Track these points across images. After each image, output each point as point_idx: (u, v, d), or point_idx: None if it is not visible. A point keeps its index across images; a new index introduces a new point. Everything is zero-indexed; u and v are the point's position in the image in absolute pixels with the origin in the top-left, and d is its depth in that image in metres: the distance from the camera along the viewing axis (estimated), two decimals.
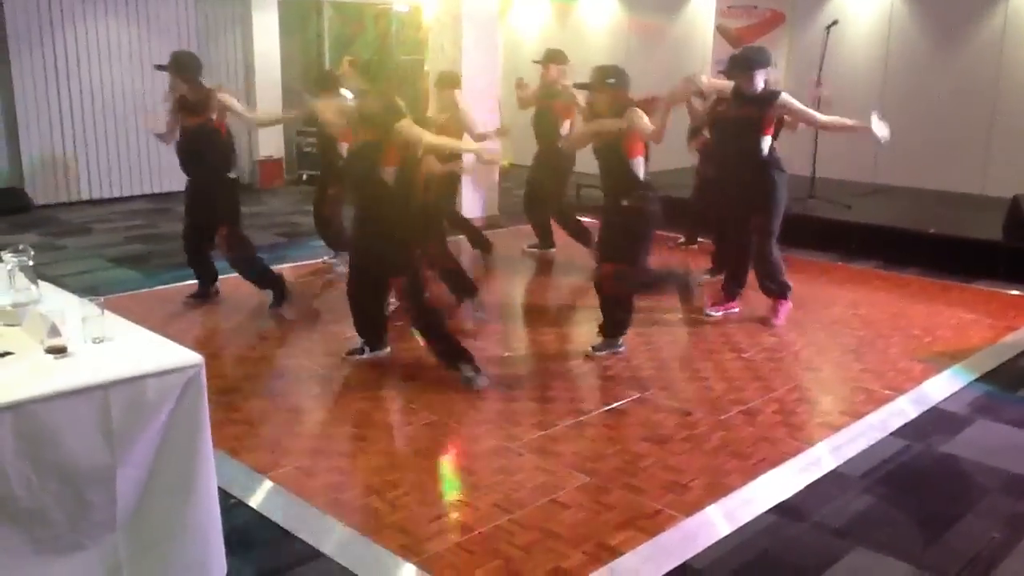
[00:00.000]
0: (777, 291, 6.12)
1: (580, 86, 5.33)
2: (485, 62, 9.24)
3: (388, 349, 5.43)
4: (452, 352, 5.03)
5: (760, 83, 5.78)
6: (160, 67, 6.15)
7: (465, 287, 6.32)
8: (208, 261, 6.55)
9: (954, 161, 9.75)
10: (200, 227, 6.34)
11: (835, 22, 9.21)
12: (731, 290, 6.33)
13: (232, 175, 6.32)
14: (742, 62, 5.83)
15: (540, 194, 8.04)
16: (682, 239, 8.42)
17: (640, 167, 5.18)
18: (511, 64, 9.10)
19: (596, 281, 5.47)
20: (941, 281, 7.35)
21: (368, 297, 5.23)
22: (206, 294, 6.57)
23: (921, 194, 9.64)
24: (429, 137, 4.90)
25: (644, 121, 5.04)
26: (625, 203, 5.18)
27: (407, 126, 4.75)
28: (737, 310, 6.31)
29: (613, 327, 5.51)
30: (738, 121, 5.85)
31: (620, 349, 5.52)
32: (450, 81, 7.36)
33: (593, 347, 5.49)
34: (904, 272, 7.63)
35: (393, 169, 4.83)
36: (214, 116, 6.13)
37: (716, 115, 6.34)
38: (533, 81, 7.95)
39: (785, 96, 5.76)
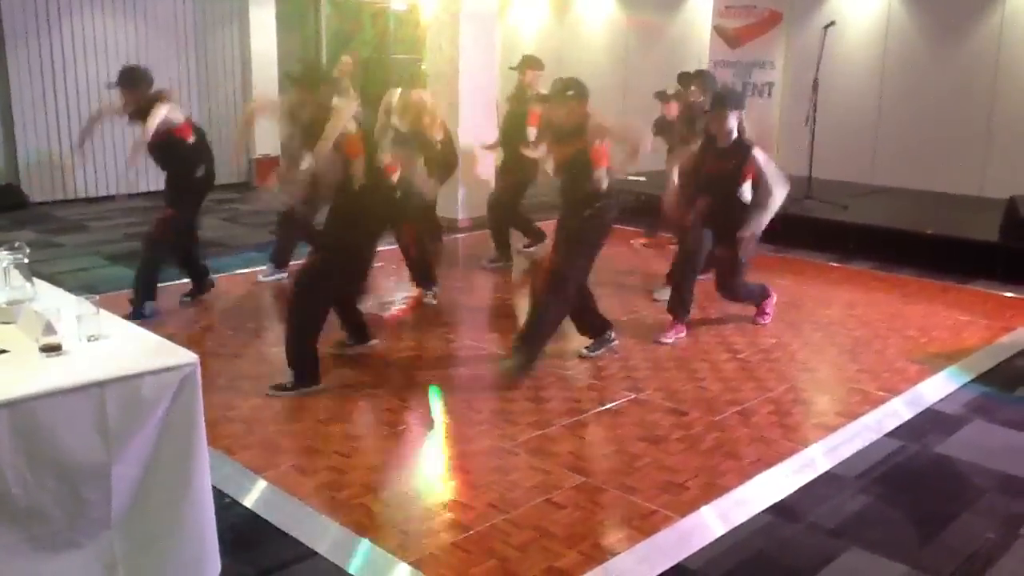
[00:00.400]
0: (756, 302, 6.16)
1: (541, 98, 5.29)
2: (483, 61, 9.24)
3: (375, 341, 5.51)
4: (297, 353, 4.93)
5: (733, 124, 5.63)
6: (111, 85, 6.24)
7: (426, 277, 6.53)
8: (194, 259, 6.58)
9: (952, 162, 9.77)
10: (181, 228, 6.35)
11: (833, 22, 9.22)
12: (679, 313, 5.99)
13: (199, 173, 6.25)
14: (716, 102, 5.75)
15: (504, 206, 7.89)
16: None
17: (604, 178, 5.07)
18: (509, 63, 9.07)
19: (542, 280, 5.25)
20: (938, 282, 7.36)
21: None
22: (201, 291, 6.57)
23: (918, 195, 9.65)
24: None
25: (616, 128, 5.14)
26: (588, 213, 5.09)
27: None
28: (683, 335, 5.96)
29: (596, 327, 5.49)
30: (718, 175, 5.71)
31: (614, 343, 5.52)
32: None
33: (586, 348, 5.48)
34: (901, 273, 7.64)
35: (360, 159, 4.77)
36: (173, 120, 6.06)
37: (695, 166, 5.96)
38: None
39: (756, 152, 5.62)
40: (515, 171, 7.68)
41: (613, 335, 5.56)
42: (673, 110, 7.89)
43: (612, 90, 11.70)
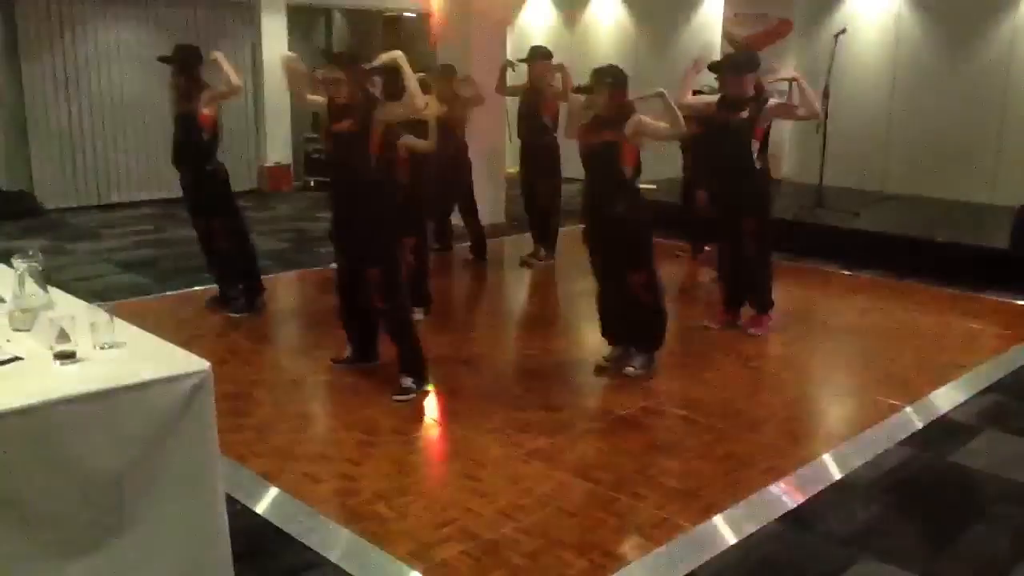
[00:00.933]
0: (764, 304, 6.09)
1: (578, 89, 5.22)
2: (493, 68, 9.23)
3: (377, 362, 5.33)
4: (416, 361, 4.97)
5: (750, 88, 5.72)
6: (162, 59, 6.24)
7: (423, 296, 6.25)
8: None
9: (963, 169, 9.74)
10: (204, 222, 6.32)
11: (843, 30, 9.20)
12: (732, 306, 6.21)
13: (209, 168, 6.17)
14: (732, 65, 5.80)
15: (536, 193, 8.02)
16: (687, 248, 8.36)
17: (631, 174, 5.04)
18: (519, 69, 9.07)
19: (630, 295, 5.15)
20: (949, 290, 7.33)
21: (355, 294, 5.07)
22: (227, 299, 6.47)
23: (929, 203, 9.62)
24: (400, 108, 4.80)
25: (653, 124, 5.00)
26: (619, 210, 5.03)
27: (385, 109, 4.74)
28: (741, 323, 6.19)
29: (653, 339, 5.28)
30: (731, 126, 5.75)
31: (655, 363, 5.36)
32: (448, 72, 7.60)
33: (632, 367, 5.25)
34: (912, 281, 7.61)
35: (376, 156, 4.77)
36: (202, 108, 6.04)
37: (706, 120, 6.12)
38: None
39: (772, 100, 5.74)
40: (537, 163, 7.78)
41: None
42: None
43: None
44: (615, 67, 5.11)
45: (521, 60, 7.87)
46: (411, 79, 4.64)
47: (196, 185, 6.21)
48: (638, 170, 5.07)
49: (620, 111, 4.99)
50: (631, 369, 5.23)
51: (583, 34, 13.14)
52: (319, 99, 5.02)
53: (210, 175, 6.16)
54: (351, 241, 4.98)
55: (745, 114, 5.69)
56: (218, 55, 6.06)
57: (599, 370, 5.34)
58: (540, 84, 7.67)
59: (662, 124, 5.04)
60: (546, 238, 8.11)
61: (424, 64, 9.13)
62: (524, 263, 8.07)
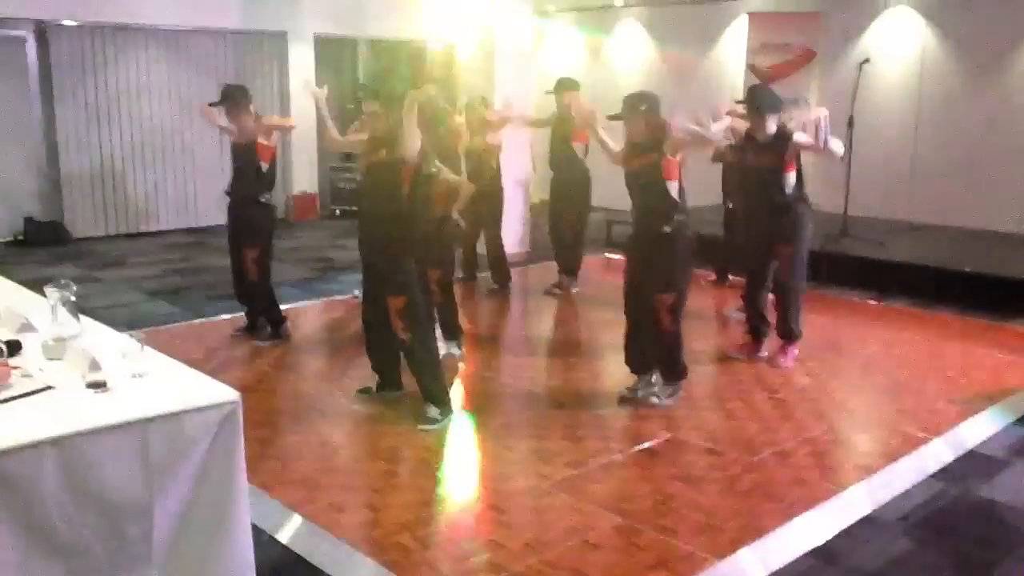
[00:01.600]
0: (791, 333, 6.05)
1: (613, 117, 5.21)
2: (518, 97, 9.29)
3: (403, 390, 5.33)
4: (439, 391, 5.00)
5: (772, 127, 5.75)
6: (213, 104, 6.38)
7: (453, 329, 6.20)
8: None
9: (989, 198, 9.68)
10: (239, 252, 6.40)
11: (867, 60, 9.21)
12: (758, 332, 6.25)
13: (263, 199, 6.30)
14: (755, 103, 5.83)
15: (564, 223, 8.08)
16: (713, 277, 8.39)
17: (676, 191, 5.03)
18: (545, 100, 9.14)
19: (655, 315, 5.12)
20: (977, 321, 7.27)
21: (381, 323, 5.07)
22: (255, 327, 6.56)
23: (956, 232, 9.56)
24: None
25: (689, 132, 5.03)
26: (667, 230, 5.01)
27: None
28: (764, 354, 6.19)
29: (675, 365, 5.26)
30: (759, 169, 5.84)
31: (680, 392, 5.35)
32: (480, 103, 7.79)
33: (657, 396, 5.24)
34: (939, 311, 7.56)
35: (407, 188, 4.88)
36: (259, 139, 6.21)
37: (735, 161, 6.18)
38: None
39: (797, 136, 5.71)
40: (568, 194, 7.84)
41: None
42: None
43: None
44: (646, 92, 5.17)
45: (548, 92, 7.91)
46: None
47: (246, 213, 6.31)
48: (682, 189, 5.08)
49: (656, 133, 5.03)
50: (656, 399, 5.22)
51: (607, 65, 13.20)
52: (351, 139, 5.35)
53: (263, 206, 6.30)
54: (376, 270, 5.05)
55: (770, 156, 5.73)
56: (270, 118, 6.33)
57: (622, 400, 5.32)
58: (567, 114, 7.70)
59: (698, 129, 5.07)
60: (571, 268, 8.12)
61: (449, 95, 9.25)
62: (549, 292, 8.08)
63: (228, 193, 6.41)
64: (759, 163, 5.83)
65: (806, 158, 5.97)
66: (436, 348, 5.30)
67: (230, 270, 6.58)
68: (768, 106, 5.78)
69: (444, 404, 4.98)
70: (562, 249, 8.18)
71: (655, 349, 5.26)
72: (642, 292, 5.17)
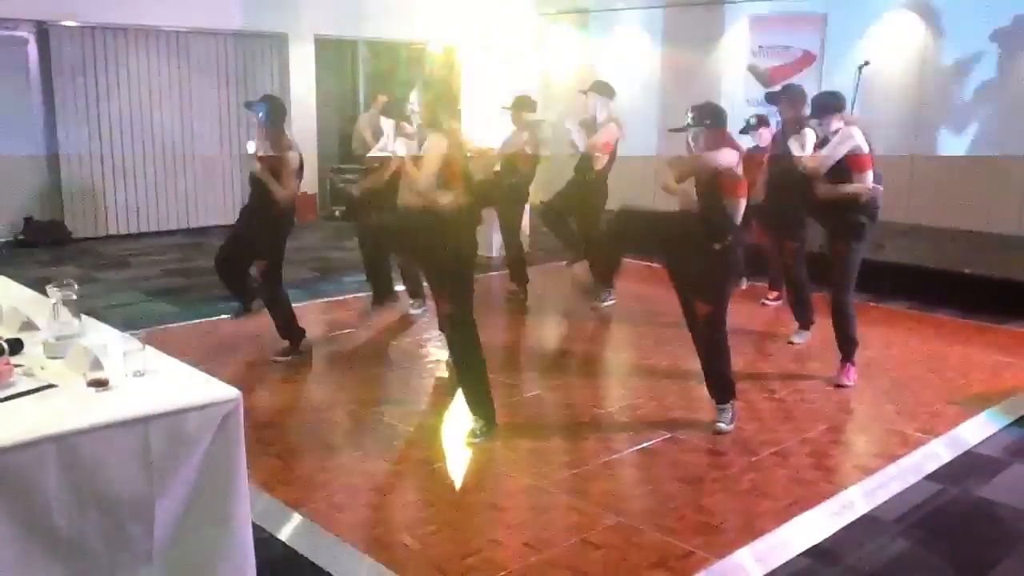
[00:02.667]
0: (849, 351, 5.84)
1: (675, 130, 5.00)
2: None
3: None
4: (484, 405, 4.88)
5: (838, 126, 5.66)
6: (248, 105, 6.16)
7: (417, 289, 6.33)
8: (245, 280, 6.40)
9: (989, 200, 9.69)
10: (241, 246, 6.19)
11: (866, 63, 9.20)
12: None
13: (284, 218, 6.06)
14: (817, 107, 5.76)
15: (560, 210, 7.82)
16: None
17: (736, 209, 4.75)
18: (543, 102, 9.18)
19: (694, 321, 4.94)
20: (976, 322, 7.28)
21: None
22: (246, 310, 6.48)
23: (955, 234, 9.57)
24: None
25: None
26: (718, 247, 4.73)
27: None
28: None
29: (723, 385, 4.99)
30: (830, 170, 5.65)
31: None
32: (526, 105, 7.71)
33: (722, 423, 4.91)
34: (938, 313, 7.57)
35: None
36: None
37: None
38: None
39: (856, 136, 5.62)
40: (579, 196, 7.64)
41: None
42: (765, 136, 7.31)
43: (646, 128, 11.74)
44: (713, 105, 4.91)
45: (583, 91, 7.63)
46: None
47: (260, 226, 6.05)
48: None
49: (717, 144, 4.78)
50: (722, 425, 4.91)
51: (608, 66, 13.20)
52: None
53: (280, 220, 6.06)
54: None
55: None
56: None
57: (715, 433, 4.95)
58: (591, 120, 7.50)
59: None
60: (608, 280, 7.84)
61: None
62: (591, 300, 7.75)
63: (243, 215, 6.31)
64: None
65: None
66: (481, 361, 4.97)
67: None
68: (833, 106, 5.74)
69: (489, 418, 4.85)
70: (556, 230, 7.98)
71: (707, 368, 5.05)
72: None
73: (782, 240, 6.60)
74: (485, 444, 4.77)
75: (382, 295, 6.99)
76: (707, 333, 4.91)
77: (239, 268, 6.31)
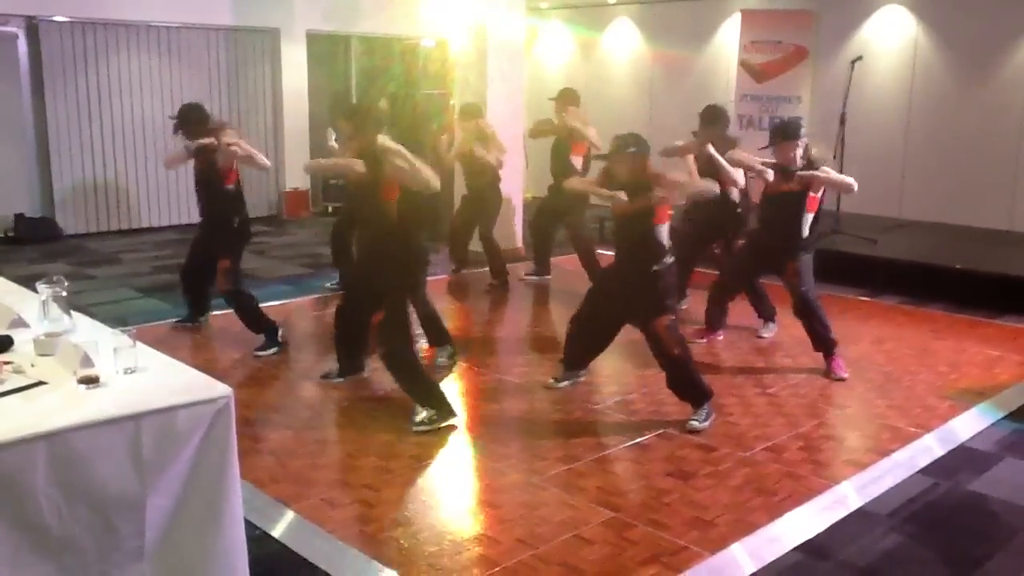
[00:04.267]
0: (831, 341, 5.92)
1: (600, 157, 5.21)
2: (510, 94, 9.34)
3: (365, 373, 5.61)
4: (423, 393, 4.93)
5: (798, 153, 5.70)
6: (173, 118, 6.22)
7: (441, 335, 6.03)
8: (204, 292, 6.59)
9: (981, 196, 9.73)
10: (199, 261, 6.43)
11: (859, 58, 9.23)
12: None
13: (235, 222, 6.24)
14: (778, 131, 5.81)
15: (545, 221, 8.24)
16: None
17: (664, 234, 4.96)
18: (535, 96, 9.19)
19: (661, 341, 4.96)
20: (968, 317, 7.30)
21: (354, 320, 5.33)
22: (192, 321, 6.66)
23: (947, 229, 9.60)
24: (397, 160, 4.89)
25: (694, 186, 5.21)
26: (656, 268, 4.93)
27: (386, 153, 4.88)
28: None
29: (696, 388, 5.03)
30: (783, 195, 5.78)
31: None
32: (473, 112, 7.85)
33: (696, 420, 4.91)
34: (930, 308, 7.59)
35: (393, 203, 4.93)
36: (219, 163, 6.07)
37: (764, 189, 6.02)
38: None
39: (823, 169, 5.67)
40: (561, 198, 7.72)
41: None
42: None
43: (636, 124, 11.76)
44: (636, 136, 4.99)
45: (551, 99, 7.96)
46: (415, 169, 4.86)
47: (218, 237, 6.26)
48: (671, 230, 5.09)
49: (644, 178, 4.93)
50: (695, 423, 4.90)
51: (599, 63, 13.21)
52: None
53: (236, 229, 6.26)
54: (363, 282, 5.25)
55: (797, 183, 5.68)
56: (235, 142, 6.09)
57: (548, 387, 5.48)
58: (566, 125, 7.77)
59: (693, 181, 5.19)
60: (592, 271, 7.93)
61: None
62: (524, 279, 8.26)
63: (201, 216, 6.41)
64: (782, 190, 5.80)
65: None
66: (413, 352, 5.14)
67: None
68: (791, 133, 5.77)
69: (432, 406, 4.88)
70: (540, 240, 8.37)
71: (674, 378, 5.05)
72: (620, 320, 5.26)
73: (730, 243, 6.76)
74: (477, 440, 4.77)
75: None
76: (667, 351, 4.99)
77: (203, 277, 6.45)
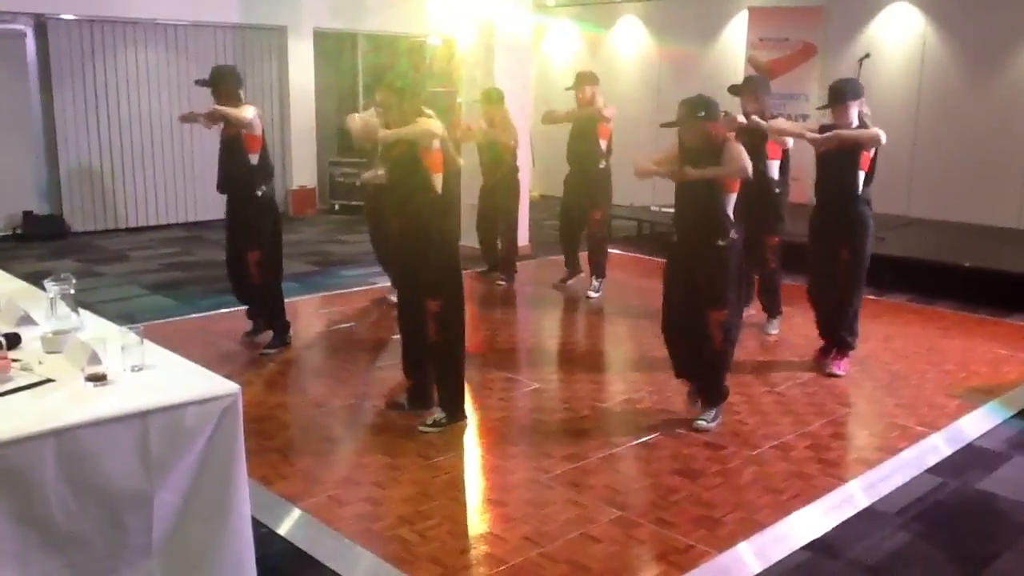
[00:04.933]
0: (849, 343, 5.88)
1: (668, 124, 4.84)
2: (517, 92, 9.31)
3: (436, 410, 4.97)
4: (453, 400, 4.86)
5: (854, 116, 5.54)
6: (199, 82, 6.02)
7: None
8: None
9: (989, 194, 9.69)
10: (237, 250, 6.09)
11: (868, 55, 9.17)
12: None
13: (259, 192, 5.93)
14: (834, 93, 5.60)
15: (576, 218, 7.86)
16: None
17: (731, 204, 4.72)
18: (542, 94, 9.17)
19: (707, 332, 4.78)
20: (976, 315, 7.28)
21: (417, 331, 4.88)
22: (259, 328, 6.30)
23: (955, 227, 9.57)
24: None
25: (743, 157, 4.64)
26: (721, 243, 4.68)
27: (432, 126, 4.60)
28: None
29: (720, 391, 4.95)
30: (838, 155, 5.59)
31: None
32: (496, 97, 7.80)
33: (704, 419, 4.87)
34: (938, 306, 7.56)
35: (440, 176, 4.65)
36: (244, 130, 5.83)
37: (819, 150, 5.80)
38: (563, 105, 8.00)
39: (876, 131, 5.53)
40: (585, 190, 7.67)
41: None
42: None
43: (644, 121, 11.74)
44: (705, 98, 4.75)
45: (568, 88, 7.69)
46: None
47: (241, 213, 5.99)
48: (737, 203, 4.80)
49: (715, 144, 4.69)
50: (703, 422, 4.86)
51: (607, 58, 13.19)
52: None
53: (257, 203, 5.93)
54: (410, 270, 4.87)
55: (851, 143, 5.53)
56: (220, 109, 5.80)
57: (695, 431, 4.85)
58: (588, 110, 7.52)
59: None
60: (599, 270, 7.88)
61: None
62: (557, 287, 8.09)
63: (220, 190, 6.06)
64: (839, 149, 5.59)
65: (804, 156, 5.89)
66: (464, 348, 4.95)
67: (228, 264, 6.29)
68: (850, 93, 5.59)
69: (450, 409, 4.85)
70: (573, 245, 8.03)
71: (703, 366, 4.92)
72: (691, 306, 4.84)
73: (762, 235, 6.30)
74: (485, 438, 4.77)
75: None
76: (719, 340, 4.80)
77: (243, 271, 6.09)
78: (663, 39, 12.54)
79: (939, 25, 10.04)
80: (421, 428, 4.78)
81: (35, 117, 10.36)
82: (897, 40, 10.31)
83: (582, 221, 7.83)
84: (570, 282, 8.11)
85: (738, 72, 11.40)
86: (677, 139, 4.86)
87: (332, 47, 12.91)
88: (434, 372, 4.92)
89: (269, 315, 6.19)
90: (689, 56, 12.17)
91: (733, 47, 11.74)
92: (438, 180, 4.65)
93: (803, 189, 9.01)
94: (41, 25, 10.18)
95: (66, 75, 10.34)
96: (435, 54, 13.45)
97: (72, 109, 10.42)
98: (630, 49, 12.97)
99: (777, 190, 6.37)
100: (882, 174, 10.18)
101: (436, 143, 4.60)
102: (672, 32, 12.42)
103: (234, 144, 5.90)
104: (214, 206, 11.28)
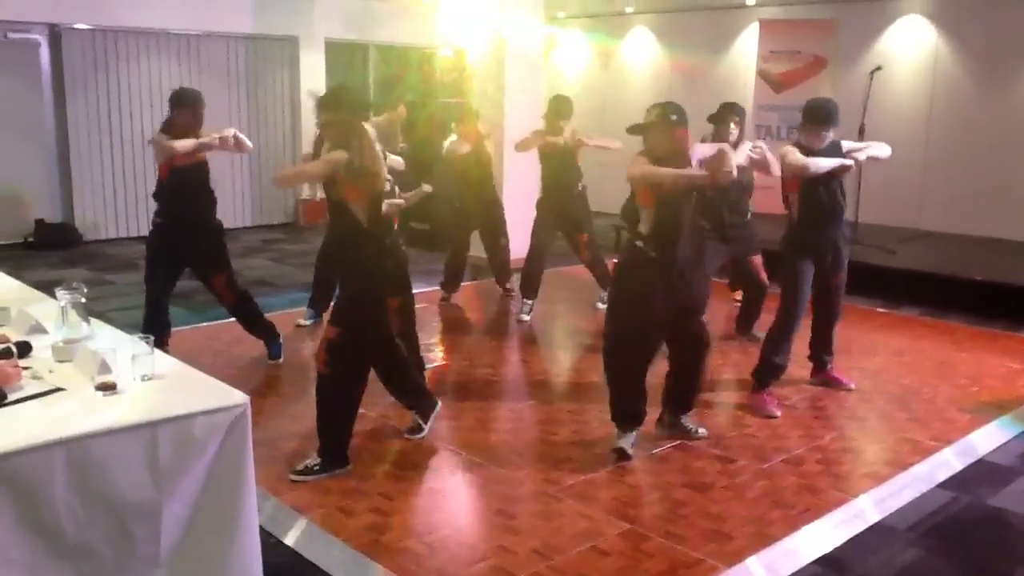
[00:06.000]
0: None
1: (634, 129, 4.58)
2: (528, 103, 9.33)
3: (437, 403, 4.95)
4: (338, 443, 4.44)
5: (828, 137, 5.40)
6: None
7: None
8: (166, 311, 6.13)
9: (1000, 206, 9.66)
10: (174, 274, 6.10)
11: (879, 67, 9.18)
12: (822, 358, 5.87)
13: (215, 221, 5.98)
14: (807, 116, 5.46)
15: (547, 244, 7.55)
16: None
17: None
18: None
19: (702, 336, 4.76)
20: (988, 329, 7.24)
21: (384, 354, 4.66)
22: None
23: (967, 240, 9.54)
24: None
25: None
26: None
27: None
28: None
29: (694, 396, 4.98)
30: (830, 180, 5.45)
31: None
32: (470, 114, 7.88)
33: (703, 429, 4.92)
34: (950, 319, 7.53)
35: (361, 206, 4.28)
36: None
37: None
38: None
39: (845, 143, 5.47)
40: (561, 213, 7.47)
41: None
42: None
43: None
44: (675, 104, 4.61)
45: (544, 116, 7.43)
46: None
47: (198, 241, 5.89)
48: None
49: (683, 149, 4.54)
50: (704, 431, 4.91)
51: (618, 70, 13.22)
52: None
53: (215, 229, 5.96)
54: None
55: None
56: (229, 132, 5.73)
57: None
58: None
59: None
60: (605, 282, 7.43)
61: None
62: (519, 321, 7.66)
63: (170, 219, 5.84)
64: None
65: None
66: (356, 396, 4.51)
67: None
68: (820, 119, 5.42)
69: (331, 459, 4.38)
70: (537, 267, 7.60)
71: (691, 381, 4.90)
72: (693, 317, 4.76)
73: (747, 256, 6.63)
74: (493, 450, 4.75)
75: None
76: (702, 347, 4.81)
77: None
78: (674, 51, 12.55)
79: (951, 37, 10.03)
80: (292, 477, 4.30)
81: (48, 126, 10.43)
82: (909, 53, 10.30)
83: (551, 246, 7.57)
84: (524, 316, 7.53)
85: (748, 84, 11.41)
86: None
87: (343, 58, 12.96)
88: (318, 410, 4.41)
89: (254, 326, 6.19)
90: (700, 68, 12.17)
91: (744, 59, 11.74)
92: (357, 209, 4.27)
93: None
94: (55, 35, 10.26)
95: (79, 84, 10.40)
96: (446, 66, 13.49)
97: (85, 118, 10.49)
98: (641, 60, 12.98)
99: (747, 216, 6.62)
100: (893, 187, 10.24)
101: (340, 171, 4.20)
102: (683, 44, 12.42)
103: (204, 173, 5.85)
104: (225, 215, 11.30)
